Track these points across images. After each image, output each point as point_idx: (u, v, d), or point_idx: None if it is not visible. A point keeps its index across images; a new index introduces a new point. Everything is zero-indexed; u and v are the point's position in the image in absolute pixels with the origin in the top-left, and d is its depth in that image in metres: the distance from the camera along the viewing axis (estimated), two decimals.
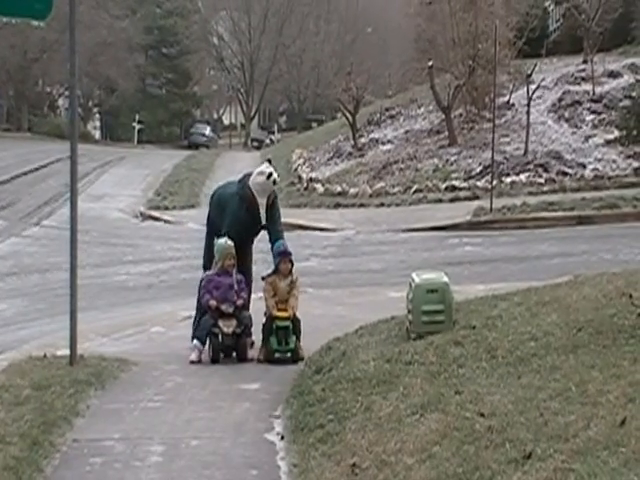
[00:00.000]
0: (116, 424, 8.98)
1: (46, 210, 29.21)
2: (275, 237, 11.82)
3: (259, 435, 8.77)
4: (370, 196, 29.48)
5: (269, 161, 12.13)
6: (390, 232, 24.19)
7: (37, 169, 39.19)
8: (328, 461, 7.45)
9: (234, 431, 8.84)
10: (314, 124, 74.49)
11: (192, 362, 11.21)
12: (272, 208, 11.84)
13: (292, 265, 11.63)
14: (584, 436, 6.19)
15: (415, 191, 28.68)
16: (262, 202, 11.69)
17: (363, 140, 36.63)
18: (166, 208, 31.01)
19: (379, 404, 8.33)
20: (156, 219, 29.41)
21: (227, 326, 11.25)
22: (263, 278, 11.65)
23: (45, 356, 10.98)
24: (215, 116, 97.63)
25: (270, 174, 11.73)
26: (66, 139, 49.51)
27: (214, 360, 11.25)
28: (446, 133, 32.73)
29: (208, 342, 11.35)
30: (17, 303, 16.08)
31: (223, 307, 11.33)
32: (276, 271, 11.52)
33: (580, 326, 8.74)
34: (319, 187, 31.60)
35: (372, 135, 37.22)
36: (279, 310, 11.38)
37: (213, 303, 11.32)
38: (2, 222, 26.61)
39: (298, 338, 11.38)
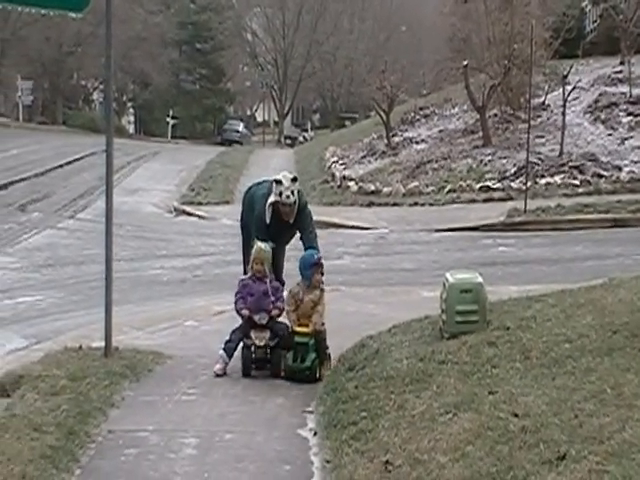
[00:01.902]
0: (150, 416, 9.05)
1: (81, 203, 29.38)
2: (308, 244, 11.08)
3: (292, 430, 8.82)
4: (403, 195, 29.45)
5: (295, 179, 11.04)
6: (423, 232, 24.18)
7: (72, 162, 39.42)
8: (361, 458, 7.48)
9: (267, 426, 8.89)
10: (347, 122, 74.55)
11: (217, 375, 10.45)
12: (302, 213, 11.12)
13: (322, 276, 10.90)
14: (619, 438, 6.19)
15: (449, 191, 28.63)
16: (285, 210, 10.95)
17: (397, 139, 36.60)
18: (200, 204, 31.11)
19: (412, 402, 8.34)
20: (190, 214, 29.52)
21: (259, 338, 10.51)
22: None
23: (81, 347, 11.06)
24: (248, 113, 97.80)
25: (278, 180, 10.89)
26: (100, 133, 49.88)
27: (245, 374, 10.49)
28: (480, 133, 32.64)
29: (240, 354, 10.59)
30: (52, 294, 16.20)
31: (256, 317, 10.57)
32: (309, 284, 10.65)
33: (615, 329, 8.71)
34: (352, 185, 31.59)
35: (406, 134, 37.18)
36: (300, 325, 10.57)
37: (246, 313, 10.60)
38: (38, 214, 26.80)
39: (320, 357, 10.55)
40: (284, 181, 10.82)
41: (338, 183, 32.69)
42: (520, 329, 9.60)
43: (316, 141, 57.98)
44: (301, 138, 79.39)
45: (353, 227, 25.65)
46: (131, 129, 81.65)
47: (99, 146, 40.05)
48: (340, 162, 36.31)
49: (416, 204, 28.29)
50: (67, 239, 23.33)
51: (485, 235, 22.92)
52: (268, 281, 10.68)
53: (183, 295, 16.27)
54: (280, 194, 10.82)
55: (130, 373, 10.38)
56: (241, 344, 10.61)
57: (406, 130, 37.90)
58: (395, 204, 28.80)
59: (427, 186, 29.57)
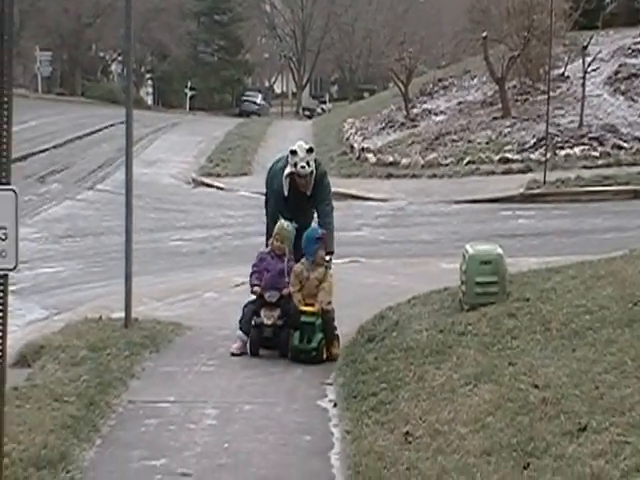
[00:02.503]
0: (171, 387, 9.09)
1: (100, 174, 29.42)
2: (321, 218, 10.85)
3: (312, 402, 8.83)
4: (422, 167, 29.35)
5: (311, 149, 10.71)
6: (442, 203, 24.13)
7: (91, 134, 39.44)
8: (381, 429, 7.49)
9: (287, 397, 8.91)
10: (366, 94, 74.20)
11: (233, 354, 10.20)
12: (319, 184, 10.83)
13: (331, 246, 10.64)
14: None
15: (468, 163, 28.52)
16: (301, 182, 10.71)
17: (415, 111, 36.44)
18: (218, 175, 31.10)
19: (432, 374, 8.35)
20: (208, 186, 29.52)
21: (268, 317, 10.24)
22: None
23: (100, 318, 11.11)
24: (266, 84, 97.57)
25: (293, 151, 10.62)
26: (118, 104, 49.83)
27: (253, 353, 10.23)
28: (499, 105, 32.46)
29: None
30: (72, 265, 16.26)
31: (267, 295, 10.29)
32: (313, 260, 10.27)
33: (636, 300, 8.68)
34: (371, 157, 31.49)
35: (425, 106, 37.01)
36: (306, 304, 10.18)
37: (257, 290, 10.35)
38: (57, 185, 26.85)
39: (328, 336, 10.20)
40: (299, 152, 10.58)
41: (356, 155, 32.60)
42: (540, 301, 9.58)
43: (334, 113, 57.81)
44: (319, 110, 79.09)
45: (371, 199, 25.61)
46: (149, 101, 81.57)
47: (117, 118, 40.06)
48: (358, 134, 36.20)
49: (435, 176, 28.20)
50: (86, 210, 23.38)
51: (504, 207, 22.86)
52: (286, 260, 10.39)
53: (202, 266, 16.30)
54: (295, 165, 10.58)
55: (150, 344, 10.42)
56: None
57: (425, 102, 37.72)
58: (414, 176, 28.71)
59: (446, 158, 29.46)
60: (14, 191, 6.13)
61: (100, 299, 13.03)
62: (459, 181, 27.00)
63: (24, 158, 28.78)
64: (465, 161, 28.67)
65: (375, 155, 31.55)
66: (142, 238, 17.81)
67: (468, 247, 10.53)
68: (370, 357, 9.43)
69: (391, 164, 30.26)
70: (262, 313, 10.27)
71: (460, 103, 35.69)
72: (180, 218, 22.84)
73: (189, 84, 70.40)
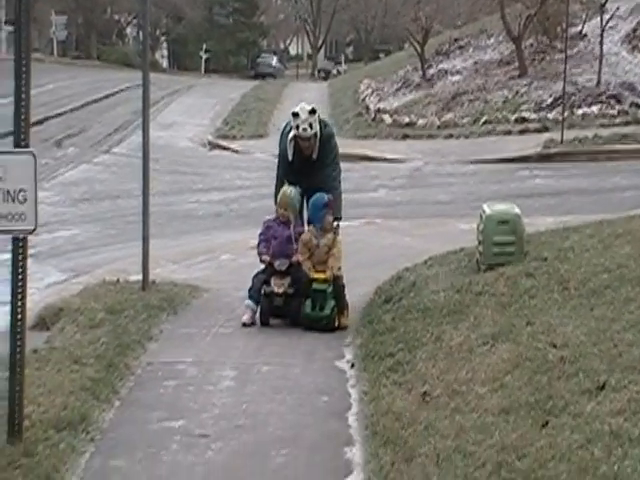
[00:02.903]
0: (189, 349, 9.12)
1: (116, 137, 29.40)
2: (327, 184, 10.30)
3: (329, 362, 8.85)
4: (438, 127, 29.22)
5: (313, 111, 10.24)
6: (459, 164, 24.02)
7: (106, 97, 39.40)
8: (399, 389, 7.49)
9: (304, 358, 8.93)
10: (381, 55, 73.77)
11: (244, 324, 9.95)
12: (324, 147, 10.39)
13: (338, 213, 10.28)
14: None
15: (484, 123, 28.37)
16: (305, 144, 10.29)
17: (431, 71, 36.23)
18: (234, 137, 31.02)
19: (450, 334, 8.35)
20: (224, 148, 29.45)
21: (278, 285, 9.98)
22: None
23: (118, 281, 11.13)
24: (282, 46, 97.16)
25: (295, 113, 10.21)
26: (134, 67, 49.62)
27: (264, 323, 10.00)
28: (516, 64, 32.23)
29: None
30: (90, 228, 16.29)
31: (276, 263, 10.03)
32: (321, 227, 10.01)
33: None
34: (387, 118, 31.36)
35: (441, 66, 36.78)
36: (317, 272, 9.95)
37: (266, 258, 10.08)
38: (73, 149, 26.86)
39: (339, 304, 9.97)
40: (301, 113, 10.17)
41: (372, 116, 32.47)
42: (558, 260, 9.55)
43: (350, 74, 57.51)
44: (335, 71, 78.65)
45: (388, 160, 25.51)
46: (164, 64, 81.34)
47: (133, 81, 40.13)
48: (374, 95, 36.03)
49: (451, 136, 28.07)
50: (103, 174, 23.40)
51: (521, 167, 22.74)
52: (292, 226, 10.14)
53: (219, 229, 16.31)
54: (297, 127, 10.18)
55: (167, 306, 10.44)
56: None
57: (441, 62, 37.49)
58: (430, 136, 28.59)
59: (462, 118, 29.32)
60: (33, 154, 6.15)
61: (117, 262, 13.05)
62: (475, 141, 26.87)
63: (40, 122, 28.78)
64: (481, 121, 28.52)
65: (391, 116, 31.41)
66: (158, 201, 17.79)
67: (485, 207, 10.50)
68: (387, 318, 9.44)
69: (407, 125, 30.13)
70: (272, 282, 10.03)
71: (476, 63, 35.46)
72: (196, 181, 22.82)
73: (204, 47, 70.09)
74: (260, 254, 10.17)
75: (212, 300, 11.04)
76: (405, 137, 28.97)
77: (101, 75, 49.80)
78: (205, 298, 11.13)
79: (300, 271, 10.01)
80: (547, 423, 6.11)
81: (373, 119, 32.16)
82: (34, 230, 6.16)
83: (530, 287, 8.96)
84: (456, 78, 34.34)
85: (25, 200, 6.09)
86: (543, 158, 23.67)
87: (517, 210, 10.35)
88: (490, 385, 6.96)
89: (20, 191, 6.08)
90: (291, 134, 10.33)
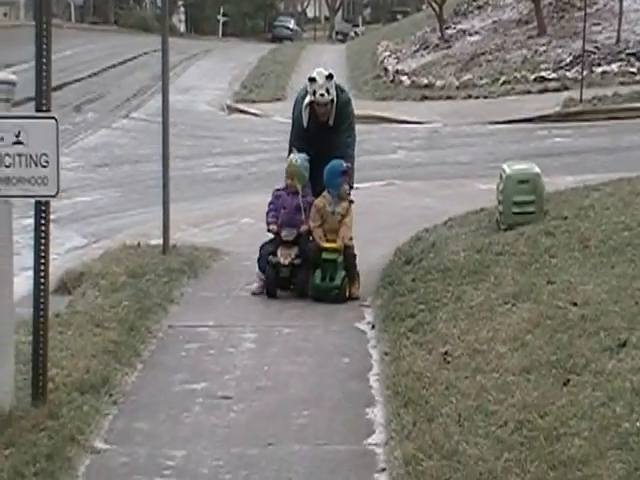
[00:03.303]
0: (209, 312, 9.16)
1: (134, 102, 29.40)
2: (340, 150, 9.98)
3: (350, 324, 8.88)
4: (457, 88, 29.11)
5: (330, 76, 9.95)
6: (477, 124, 23.94)
7: (124, 62, 39.38)
8: (420, 349, 7.51)
9: (325, 320, 8.95)
10: (399, 16, 73.40)
11: (254, 294, 9.80)
12: (340, 113, 10.07)
13: (351, 181, 9.96)
14: None
15: (503, 83, 28.23)
16: (321, 110, 9.98)
17: (450, 31, 36.02)
18: (252, 101, 30.96)
19: (470, 294, 8.35)
20: (242, 112, 29.41)
21: (285, 256, 9.64)
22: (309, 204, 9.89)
23: (139, 245, 11.16)
24: (299, 9, 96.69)
25: (312, 78, 9.91)
26: (151, 32, 49.43)
27: (270, 294, 9.69)
28: (535, 23, 31.99)
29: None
30: (109, 194, 16.33)
31: (283, 233, 9.71)
32: (336, 194, 9.70)
33: None
34: (405, 79, 31.25)
35: (459, 26, 36.56)
36: (328, 241, 9.64)
37: (274, 228, 9.79)
38: (92, 114, 26.88)
39: (350, 274, 9.67)
40: (318, 78, 9.86)
41: (391, 78, 32.35)
42: (578, 218, 9.53)
43: (368, 36, 57.26)
44: (352, 33, 78.28)
45: (406, 121, 25.44)
46: (182, 28, 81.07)
47: (150, 45, 40.05)
48: (392, 56, 35.89)
49: (470, 97, 27.97)
50: (122, 139, 23.41)
51: (540, 126, 22.64)
52: (300, 196, 9.79)
53: (238, 192, 16.30)
54: (314, 93, 9.85)
55: (188, 270, 10.47)
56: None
57: (459, 22, 37.25)
58: (448, 97, 28.49)
59: (481, 78, 29.18)
60: (55, 118, 6.17)
61: (138, 226, 13.08)
62: (494, 101, 26.75)
63: (59, 88, 28.77)
64: (500, 81, 28.39)
65: (409, 77, 31.31)
66: (178, 165, 17.80)
67: (505, 167, 10.47)
68: (407, 279, 9.44)
69: (425, 86, 30.03)
70: (279, 252, 9.69)
71: (495, 22, 35.22)
72: (215, 145, 22.81)
73: (221, 10, 69.87)
74: (268, 224, 9.90)
75: (232, 263, 11.06)
76: (424, 98, 28.89)
77: (119, 40, 49.73)
78: (225, 261, 11.16)
79: (308, 241, 9.73)
80: (568, 381, 6.12)
81: (391, 81, 32.06)
82: (57, 194, 6.18)
83: (550, 246, 8.95)
84: (474, 38, 34.15)
85: (47, 164, 6.12)
86: (562, 117, 23.58)
87: (537, 169, 10.32)
88: (511, 344, 6.97)
89: (42, 155, 6.10)
90: (307, 100, 10.00)
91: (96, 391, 6.87)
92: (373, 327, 8.68)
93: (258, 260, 9.86)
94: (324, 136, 9.99)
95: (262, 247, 9.93)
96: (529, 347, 6.81)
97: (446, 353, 7.20)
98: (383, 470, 5.82)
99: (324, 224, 9.70)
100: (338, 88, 10.12)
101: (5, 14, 66.54)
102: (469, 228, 10.77)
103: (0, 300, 6.20)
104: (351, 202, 9.82)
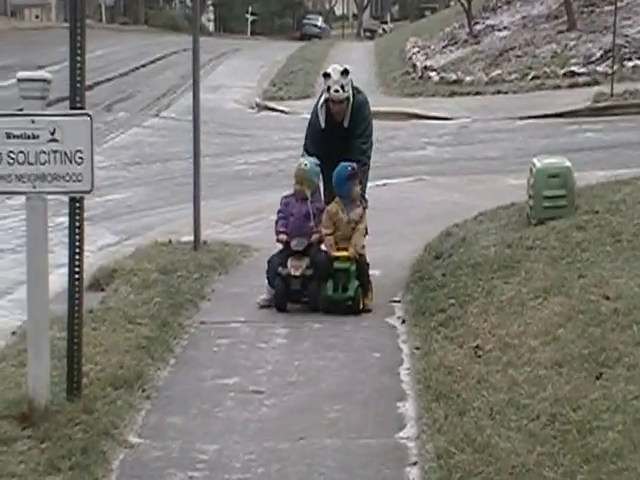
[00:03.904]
0: (240, 307, 9.20)
1: (164, 101, 29.53)
2: (354, 154, 9.48)
3: (380, 319, 8.89)
4: (486, 84, 29.02)
5: (346, 72, 9.47)
6: (507, 120, 23.87)
7: (154, 61, 39.54)
8: (451, 344, 7.52)
9: (355, 315, 8.96)
10: (427, 12, 73.14)
11: (260, 306, 9.23)
12: (357, 113, 9.58)
13: (362, 191, 9.37)
14: None
15: (532, 78, 28.13)
16: (335, 109, 9.51)
17: (478, 27, 35.91)
18: (281, 99, 31.01)
19: (501, 288, 8.34)
20: (272, 109, 29.46)
21: (295, 267, 9.04)
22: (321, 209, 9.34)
23: (170, 242, 11.23)
24: (327, 7, 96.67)
25: (326, 74, 9.53)
26: (181, 31, 49.62)
27: (280, 308, 9.10)
28: (565, 17, 31.84)
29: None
30: (140, 191, 16.42)
31: (293, 243, 9.12)
32: (347, 200, 9.15)
33: None
34: (434, 76, 31.20)
35: (488, 22, 36.43)
36: (339, 249, 9.07)
37: (283, 238, 9.20)
38: (123, 113, 27.02)
39: (362, 284, 9.07)
40: (333, 74, 9.42)
41: (419, 74, 32.30)
42: (609, 213, 9.48)
43: (396, 33, 57.13)
44: (380, 30, 78.09)
45: (435, 117, 25.38)
46: (211, 27, 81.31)
47: (180, 45, 40.18)
48: (421, 53, 35.82)
49: (499, 92, 27.89)
50: (152, 137, 23.52)
51: (570, 121, 22.54)
52: (309, 202, 9.24)
53: (268, 189, 16.33)
54: (329, 89, 9.41)
55: (219, 266, 10.53)
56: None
57: (488, 17, 37.13)
58: (477, 93, 28.43)
59: (510, 74, 29.08)
60: (89, 115, 6.23)
61: (169, 224, 13.16)
62: (524, 97, 26.66)
63: (91, 87, 28.93)
64: (530, 76, 28.28)
65: (438, 73, 31.25)
66: (208, 163, 17.86)
67: (536, 161, 10.43)
68: (438, 274, 9.44)
69: (454, 82, 29.96)
70: (289, 263, 9.09)
71: (524, 17, 35.07)
72: (244, 142, 22.87)
73: (250, 9, 69.97)
74: (277, 233, 9.31)
75: (262, 259, 11.00)
76: (452, 94, 28.84)
77: (149, 40, 49.95)
78: (255, 257, 11.19)
79: (319, 251, 9.22)
80: (601, 375, 6.11)
81: (420, 77, 32.01)
82: (91, 190, 6.24)
83: (582, 240, 8.91)
84: (503, 34, 34.02)
85: (82, 161, 6.17)
86: (593, 112, 23.44)
87: (568, 163, 10.27)
88: (542, 338, 6.96)
89: (77, 152, 6.16)
90: (322, 98, 9.60)
91: (129, 386, 6.93)
92: (403, 322, 8.69)
93: (266, 272, 9.29)
94: (338, 139, 9.51)
95: (270, 259, 9.37)
96: (561, 341, 6.80)
97: (477, 347, 7.20)
98: (414, 464, 5.83)
99: (336, 231, 9.14)
100: (355, 89, 9.64)
101: (37, 16, 67.03)
102: (499, 223, 10.75)
103: (36, 297, 6.26)
104: (365, 208, 9.35)
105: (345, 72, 9.44)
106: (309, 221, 9.22)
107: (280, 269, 9.10)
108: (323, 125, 9.56)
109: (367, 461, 5.89)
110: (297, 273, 9.05)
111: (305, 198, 9.25)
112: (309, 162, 9.29)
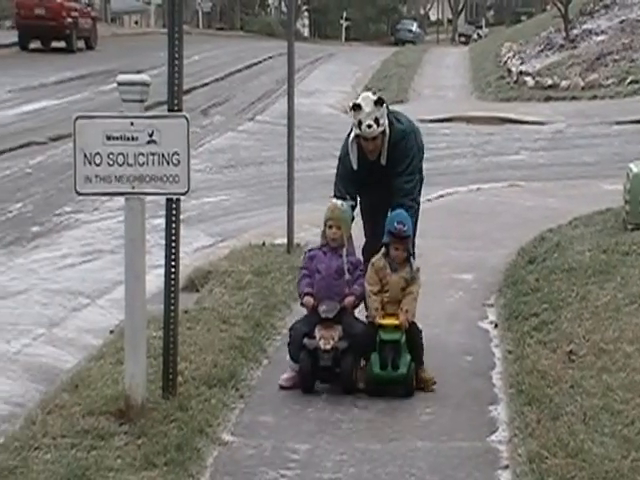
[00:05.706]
0: None
1: (259, 106, 29.72)
2: (395, 200, 7.77)
3: (473, 323, 8.88)
4: (582, 89, 28.71)
5: (380, 101, 7.75)
6: (603, 125, 23.58)
7: (250, 66, 39.83)
8: (544, 348, 7.48)
9: (448, 319, 8.96)
10: (523, 17, 72.65)
11: (281, 387, 7.34)
12: (395, 148, 7.84)
13: (411, 252, 7.44)
14: None
15: (630, 82, 27.74)
16: (368, 147, 7.83)
17: (575, 31, 35.52)
18: None
19: (595, 294, 8.27)
20: None
21: (326, 338, 7.20)
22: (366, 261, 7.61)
23: (264, 244, 11.33)
24: (422, 12, 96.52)
25: (356, 105, 7.75)
26: (276, 37, 49.84)
27: (306, 389, 7.25)
28: None
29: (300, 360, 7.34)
30: (235, 194, 16.56)
31: (322, 309, 7.27)
32: (387, 254, 7.36)
33: None
34: (529, 80, 30.94)
35: (585, 26, 36.02)
36: (386, 315, 7.26)
37: (309, 300, 7.37)
38: (219, 117, 27.27)
39: (415, 358, 7.30)
40: (364, 105, 7.67)
41: (514, 79, 32.05)
42: None
43: (491, 38, 56.77)
44: (475, 35, 77.80)
45: (530, 122, 25.17)
46: (306, 32, 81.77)
47: (275, 50, 40.46)
48: (516, 57, 35.55)
49: (595, 97, 27.57)
50: (247, 141, 23.69)
51: None
52: (344, 254, 7.44)
53: None
54: (359, 124, 7.70)
55: None
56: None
57: (585, 22, 36.70)
58: (573, 98, 28.15)
59: (607, 78, 28.72)
60: (186, 118, 6.34)
61: (262, 226, 13.26)
62: (621, 102, 26.30)
63: (188, 92, 29.26)
64: (628, 81, 27.90)
65: (533, 78, 30.99)
66: (301, 167, 17.96)
67: (632, 166, 10.33)
68: (531, 278, 9.38)
69: (550, 87, 29.69)
70: (317, 333, 7.26)
71: (622, 22, 34.59)
72: (338, 147, 22.69)
73: (344, 14, 70.19)
74: (301, 295, 7.51)
75: None
76: (548, 99, 28.61)
77: (244, 45, 50.35)
78: None
79: (354, 320, 7.44)
80: None
81: (515, 82, 31.76)
82: (187, 192, 6.33)
83: None
84: (601, 38, 33.60)
85: (179, 163, 6.27)
86: None
87: None
88: (638, 344, 6.90)
89: (174, 154, 6.25)
90: (353, 134, 7.95)
91: (223, 385, 7.05)
92: (496, 326, 8.67)
93: (288, 345, 7.50)
94: (376, 180, 7.93)
95: (292, 327, 7.56)
96: None
97: (571, 352, 7.16)
98: (506, 467, 5.83)
99: (381, 291, 7.33)
100: (393, 116, 7.94)
101: (136, 22, 68.20)
102: (595, 228, 10.65)
103: (133, 297, 6.38)
104: (417, 268, 7.47)
105: (379, 102, 7.73)
106: (342, 278, 7.39)
107: (306, 341, 7.27)
108: (355, 167, 7.96)
109: (458, 464, 5.91)
110: (328, 346, 7.19)
111: (340, 246, 7.44)
112: (344, 202, 7.63)
